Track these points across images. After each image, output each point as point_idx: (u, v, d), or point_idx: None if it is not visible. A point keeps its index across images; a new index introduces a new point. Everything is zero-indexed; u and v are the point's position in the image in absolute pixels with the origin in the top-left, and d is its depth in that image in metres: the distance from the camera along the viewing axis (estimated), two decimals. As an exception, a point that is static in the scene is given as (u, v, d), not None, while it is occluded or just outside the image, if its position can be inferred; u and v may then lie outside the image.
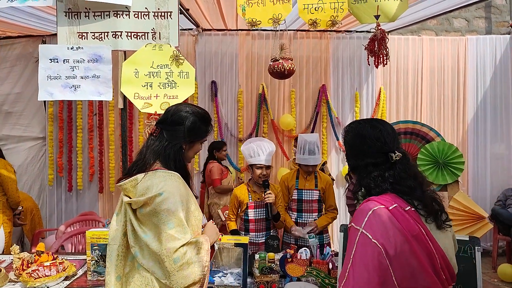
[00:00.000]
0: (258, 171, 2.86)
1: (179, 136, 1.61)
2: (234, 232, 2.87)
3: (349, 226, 1.30)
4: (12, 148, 4.88)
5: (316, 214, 3.01)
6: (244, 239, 2.16)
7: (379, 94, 5.20)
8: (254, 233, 2.90)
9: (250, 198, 2.93)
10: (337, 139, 5.17)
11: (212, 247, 1.71)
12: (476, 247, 1.72)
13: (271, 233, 2.96)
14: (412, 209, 1.25)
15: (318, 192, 3.00)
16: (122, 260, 1.55)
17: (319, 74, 5.21)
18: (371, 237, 1.17)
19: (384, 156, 1.32)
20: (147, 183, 1.51)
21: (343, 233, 2.02)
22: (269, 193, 2.79)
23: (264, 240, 2.90)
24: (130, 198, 1.54)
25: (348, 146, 1.44)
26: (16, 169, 4.72)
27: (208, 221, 1.81)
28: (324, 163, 3.12)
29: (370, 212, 1.21)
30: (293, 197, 3.04)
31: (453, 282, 1.27)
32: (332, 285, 2.12)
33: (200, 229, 1.68)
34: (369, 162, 1.33)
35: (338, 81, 5.23)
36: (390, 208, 1.22)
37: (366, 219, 1.21)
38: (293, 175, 3.10)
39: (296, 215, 3.03)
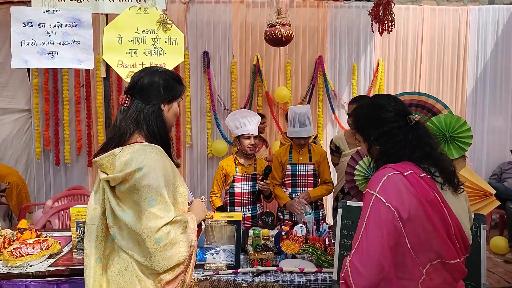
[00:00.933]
0: (247, 142, 2.76)
1: (155, 96, 1.48)
2: (220, 209, 2.76)
3: (364, 192, 1.31)
4: (-4, 121, 4.69)
5: (312, 189, 2.91)
6: (237, 215, 2.06)
7: (377, 65, 5.03)
8: (240, 207, 2.82)
9: (237, 171, 2.83)
10: (333, 112, 5.04)
11: (199, 225, 1.60)
12: (481, 225, 1.64)
13: (257, 207, 2.88)
14: (428, 176, 1.26)
15: (312, 166, 2.90)
16: (102, 241, 1.43)
17: (315, 45, 5.00)
18: (384, 201, 1.19)
19: (404, 119, 1.34)
20: (126, 157, 1.37)
21: (341, 209, 1.92)
22: (267, 183, 2.73)
23: (250, 214, 2.83)
24: (107, 174, 1.41)
25: (366, 121, 1.41)
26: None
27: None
28: (316, 137, 2.99)
29: (385, 177, 1.24)
30: (287, 173, 2.94)
31: (467, 253, 1.28)
32: (328, 262, 2.04)
33: (186, 206, 1.56)
34: (393, 126, 1.33)
35: (335, 52, 5.04)
36: (405, 174, 1.23)
37: (380, 184, 1.23)
38: (286, 149, 2.99)
39: (290, 191, 2.93)
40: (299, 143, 2.87)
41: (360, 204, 1.90)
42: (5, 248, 2.05)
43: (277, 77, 5.01)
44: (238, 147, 2.85)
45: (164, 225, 1.33)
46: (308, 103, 4.97)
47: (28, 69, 4.74)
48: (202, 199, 2.09)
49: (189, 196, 1.70)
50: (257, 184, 2.76)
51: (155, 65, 1.62)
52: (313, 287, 1.95)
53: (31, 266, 1.98)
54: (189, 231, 1.43)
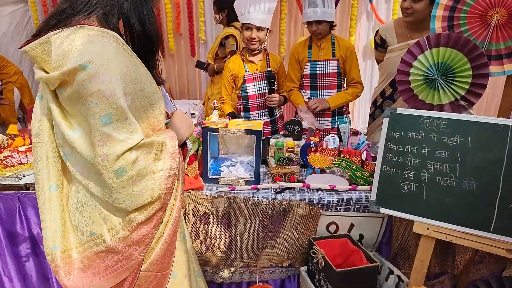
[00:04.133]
0: (247, 34, 2.29)
1: None
2: (232, 116, 2.41)
3: None
4: (-9, 13, 4.23)
5: (335, 90, 2.43)
6: (257, 124, 1.70)
7: None
8: (256, 111, 2.47)
9: (247, 70, 2.40)
10: (370, 1, 4.29)
11: (184, 144, 1.24)
12: None
13: (276, 111, 2.51)
14: None
15: (336, 62, 2.37)
16: (58, 163, 1.06)
17: None
18: None
19: None
20: (64, 46, 0.92)
21: (388, 118, 1.53)
22: (272, 97, 2.35)
23: (269, 119, 2.48)
24: (45, 72, 0.98)
25: None
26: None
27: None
28: (332, 27, 2.31)
29: None
30: (305, 72, 2.44)
31: None
32: (365, 179, 1.73)
33: (163, 122, 1.16)
34: None
35: None
36: None
37: None
38: (304, 44, 2.45)
39: (309, 94, 2.47)
40: (312, 31, 2.33)
41: (414, 112, 1.49)
42: (-5, 156, 1.82)
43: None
44: (242, 39, 2.39)
45: (127, 150, 0.95)
46: (342, -11, 4.21)
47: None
48: (213, 103, 1.74)
49: (170, 105, 1.32)
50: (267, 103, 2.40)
51: None
52: (345, 207, 1.67)
53: (24, 177, 1.76)
54: (167, 155, 1.05)
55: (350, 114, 2.68)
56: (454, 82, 1.46)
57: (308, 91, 2.48)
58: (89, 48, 0.90)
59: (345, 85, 2.50)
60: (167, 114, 1.25)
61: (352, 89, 2.43)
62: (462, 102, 1.44)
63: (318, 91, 2.45)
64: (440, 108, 1.49)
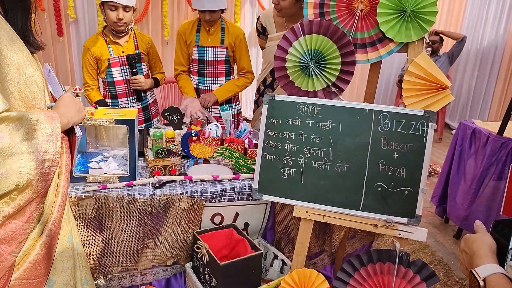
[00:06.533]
0: (112, 14, 2.04)
1: None
2: (101, 103, 2.17)
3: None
4: None
5: (223, 78, 2.37)
6: (129, 113, 1.52)
7: None
8: (125, 98, 2.27)
9: (111, 53, 2.18)
10: (253, -12, 4.33)
11: (71, 130, 1.08)
12: (430, 124, 1.38)
13: (148, 96, 2.34)
14: None
15: (224, 50, 2.30)
16: None
17: None
18: None
19: None
20: None
21: (267, 105, 1.51)
22: (136, 79, 2.19)
23: (140, 106, 2.31)
24: None
25: None
26: None
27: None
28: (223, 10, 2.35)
29: None
30: (193, 57, 2.32)
31: None
32: (247, 167, 1.71)
33: (43, 101, 1.00)
34: None
35: None
36: None
37: None
38: (192, 26, 2.31)
39: (197, 80, 2.37)
40: (204, 19, 2.20)
41: (291, 98, 1.50)
42: None
43: None
44: (104, 19, 2.14)
45: None
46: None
47: None
48: (75, 89, 1.50)
49: (58, 89, 1.21)
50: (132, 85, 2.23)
51: None
52: (229, 197, 1.62)
53: None
54: (42, 136, 0.90)
55: (240, 102, 2.65)
56: (325, 69, 1.51)
57: (196, 77, 2.37)
58: None
59: (235, 74, 2.45)
60: (55, 99, 1.06)
61: (242, 80, 2.39)
62: (333, 89, 1.50)
63: (205, 78, 2.35)
64: (314, 94, 1.53)
